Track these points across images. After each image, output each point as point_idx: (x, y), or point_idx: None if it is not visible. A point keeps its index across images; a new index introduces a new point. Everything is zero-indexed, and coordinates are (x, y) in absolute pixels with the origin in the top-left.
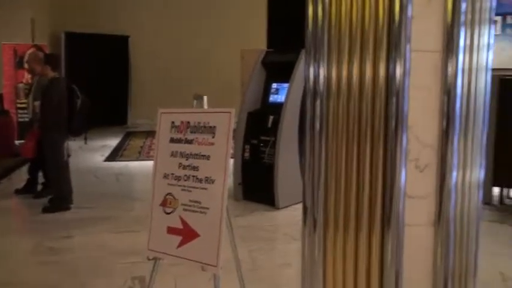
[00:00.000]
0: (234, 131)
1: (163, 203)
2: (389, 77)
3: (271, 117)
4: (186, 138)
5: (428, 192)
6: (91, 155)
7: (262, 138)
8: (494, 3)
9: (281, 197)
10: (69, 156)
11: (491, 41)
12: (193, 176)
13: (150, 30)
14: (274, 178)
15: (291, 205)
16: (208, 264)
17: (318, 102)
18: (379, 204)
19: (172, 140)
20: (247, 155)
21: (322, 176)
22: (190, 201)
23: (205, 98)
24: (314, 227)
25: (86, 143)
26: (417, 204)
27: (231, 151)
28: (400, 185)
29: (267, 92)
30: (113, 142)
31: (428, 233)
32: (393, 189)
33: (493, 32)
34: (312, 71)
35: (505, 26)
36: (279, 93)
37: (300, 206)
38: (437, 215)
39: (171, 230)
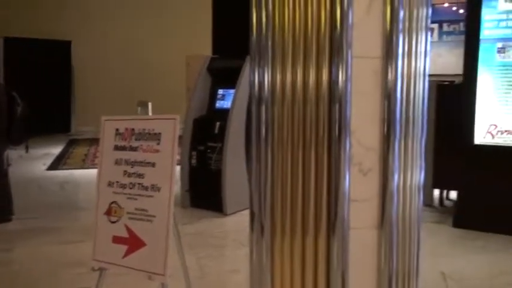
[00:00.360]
0: (180, 137)
1: (108, 212)
2: (332, 82)
3: (217, 123)
4: (130, 146)
5: (371, 196)
6: (33, 164)
7: (209, 144)
8: (430, 11)
9: (229, 203)
10: (9, 165)
11: (428, 47)
12: (138, 184)
13: (93, 35)
14: (221, 184)
15: (239, 211)
16: (156, 273)
17: (263, 108)
18: (325, 209)
19: (116, 148)
20: (194, 161)
21: (269, 181)
22: (136, 209)
23: (149, 104)
24: (261, 233)
25: (27, 151)
26: (361, 208)
27: (178, 158)
28: (345, 189)
29: (213, 98)
30: (56, 150)
31: (372, 235)
32: (338, 194)
33: (429, 38)
34: (256, 76)
35: (441, 33)
36: (225, 99)
37: (248, 212)
38: (380, 217)
39: (116, 239)
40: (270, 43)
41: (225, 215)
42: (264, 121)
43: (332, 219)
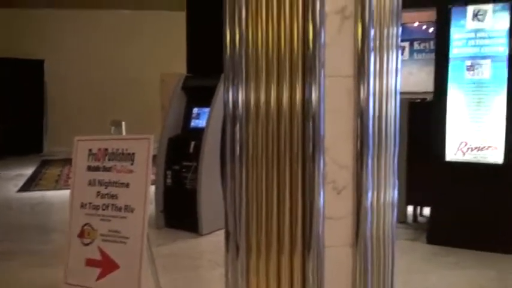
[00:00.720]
0: (155, 157)
1: (81, 234)
2: (306, 101)
3: (192, 143)
4: (104, 166)
5: (346, 213)
6: (4, 185)
7: (184, 163)
8: (400, 30)
9: (205, 223)
10: None
11: (399, 65)
12: (112, 205)
13: (66, 54)
14: (197, 204)
15: (215, 231)
16: None
17: (237, 127)
18: (300, 227)
19: (89, 168)
20: (169, 181)
21: (243, 200)
22: (110, 231)
23: (123, 124)
24: (237, 253)
25: None
26: (336, 226)
27: (152, 178)
28: (319, 207)
29: (188, 117)
30: (28, 171)
31: (347, 253)
32: (312, 212)
33: (400, 57)
34: (230, 95)
35: (412, 51)
36: (200, 118)
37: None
38: (355, 235)
39: (89, 262)
40: (243, 61)
41: (201, 235)
42: (239, 139)
43: (307, 237)
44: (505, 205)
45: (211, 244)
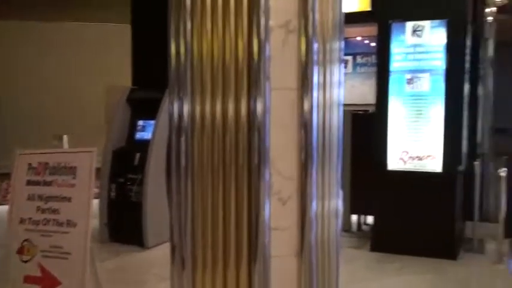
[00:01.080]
0: (98, 170)
1: (20, 251)
2: (251, 113)
3: (137, 155)
4: (44, 180)
5: (291, 224)
6: None
7: (129, 176)
8: (343, 44)
9: (150, 236)
10: None
11: (342, 78)
12: (53, 220)
13: (6, 67)
14: (142, 216)
15: (160, 244)
16: None
17: (182, 139)
18: (246, 238)
19: (29, 183)
20: (113, 194)
21: (189, 213)
22: (51, 246)
23: (65, 137)
24: (182, 266)
25: None
26: (281, 236)
27: (95, 191)
28: (265, 219)
29: (132, 129)
30: None
31: (292, 263)
32: (258, 223)
33: (343, 70)
34: (176, 107)
35: (355, 64)
36: (146, 131)
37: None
38: (300, 245)
39: (28, 279)
40: (188, 73)
41: (146, 248)
42: (184, 152)
43: (253, 248)
44: (444, 211)
45: (157, 257)
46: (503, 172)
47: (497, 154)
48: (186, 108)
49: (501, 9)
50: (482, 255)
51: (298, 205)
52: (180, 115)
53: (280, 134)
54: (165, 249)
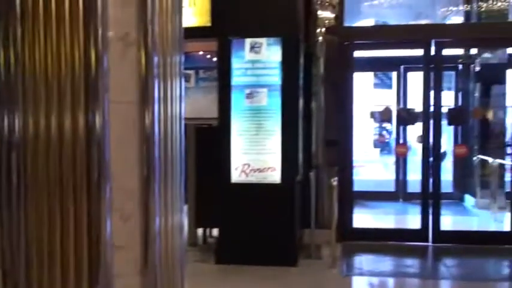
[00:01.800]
0: None
1: None
2: (89, 127)
3: None
4: None
5: (134, 241)
6: None
7: None
8: (183, 58)
9: None
10: None
11: (183, 92)
12: None
13: None
14: None
15: None
16: None
17: (13, 155)
18: (86, 259)
19: None
20: None
21: (22, 234)
22: None
23: None
24: None
25: None
26: (124, 255)
27: None
28: (106, 237)
29: None
30: None
31: (136, 281)
32: (99, 242)
33: (184, 84)
34: (6, 121)
35: (198, 79)
36: None
37: None
38: (144, 263)
39: None
40: (20, 85)
41: None
42: (15, 168)
43: (94, 269)
44: (284, 221)
45: None
46: (334, 181)
47: (330, 164)
48: (17, 122)
49: (329, 30)
50: (320, 260)
51: (141, 222)
52: (11, 129)
53: (121, 148)
54: None
